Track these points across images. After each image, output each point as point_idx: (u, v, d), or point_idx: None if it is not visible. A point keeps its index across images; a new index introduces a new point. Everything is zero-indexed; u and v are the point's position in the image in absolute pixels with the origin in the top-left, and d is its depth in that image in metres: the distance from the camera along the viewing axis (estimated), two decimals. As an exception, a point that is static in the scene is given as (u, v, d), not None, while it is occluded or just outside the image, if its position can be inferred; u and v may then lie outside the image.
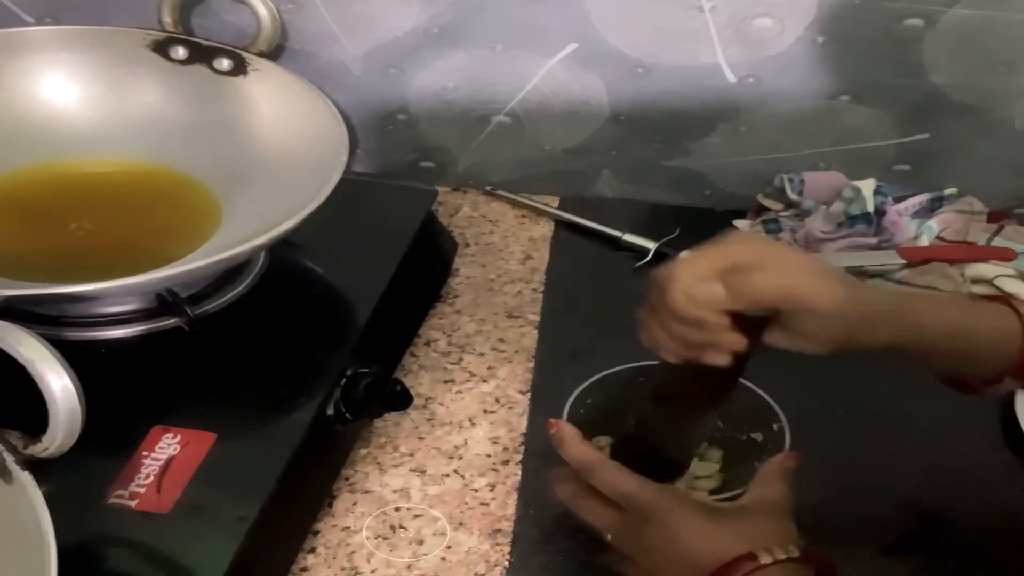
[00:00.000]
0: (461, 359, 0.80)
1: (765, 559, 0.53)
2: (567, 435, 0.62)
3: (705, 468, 0.68)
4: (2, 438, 0.47)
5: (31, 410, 0.49)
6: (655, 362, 0.69)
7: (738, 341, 0.54)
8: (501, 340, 0.82)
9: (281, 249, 0.75)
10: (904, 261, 0.87)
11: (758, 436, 0.68)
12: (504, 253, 0.92)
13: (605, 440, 0.68)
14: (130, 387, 0.64)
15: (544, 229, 0.96)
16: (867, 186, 0.88)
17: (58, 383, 0.46)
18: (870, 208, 0.88)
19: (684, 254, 0.56)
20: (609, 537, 0.59)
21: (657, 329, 0.56)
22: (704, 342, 0.54)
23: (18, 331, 0.46)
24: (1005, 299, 0.61)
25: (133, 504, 0.57)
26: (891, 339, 0.57)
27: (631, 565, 0.59)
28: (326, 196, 0.69)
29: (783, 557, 0.53)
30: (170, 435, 0.61)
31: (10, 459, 0.46)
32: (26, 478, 0.45)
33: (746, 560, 0.53)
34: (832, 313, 0.54)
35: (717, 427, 0.67)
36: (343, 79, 0.92)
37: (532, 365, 0.79)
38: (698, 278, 0.54)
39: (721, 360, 0.55)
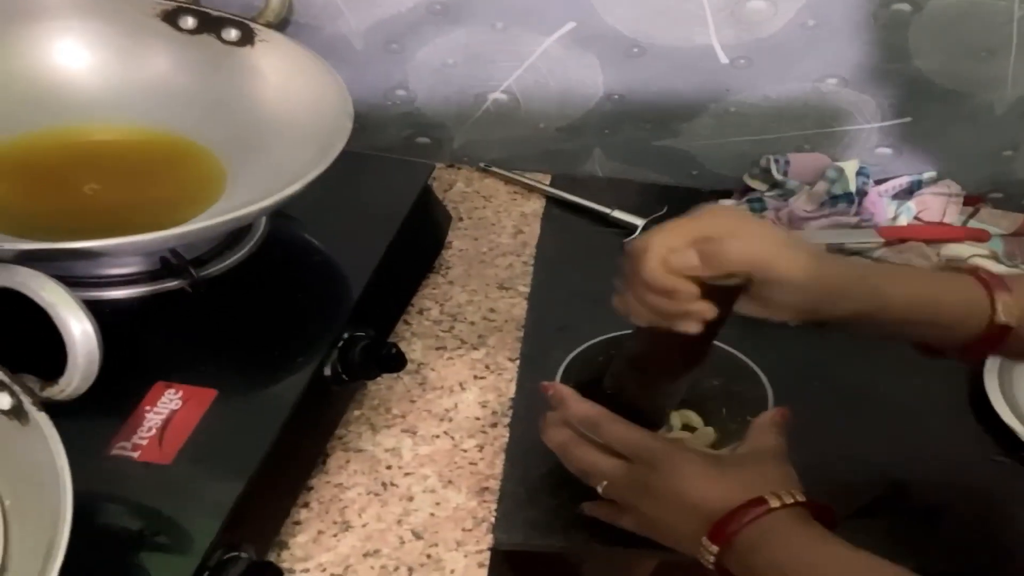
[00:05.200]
0: (453, 327, 0.82)
1: (774, 503, 0.55)
2: (567, 394, 0.63)
3: (699, 425, 0.70)
4: (19, 380, 0.49)
5: (41, 357, 0.50)
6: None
7: (708, 310, 0.56)
8: (492, 310, 0.84)
9: (279, 220, 0.77)
10: (883, 240, 0.90)
11: (744, 398, 0.69)
12: (496, 227, 0.94)
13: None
14: (133, 345, 0.66)
15: (536, 205, 0.98)
16: (851, 167, 0.91)
17: (78, 327, 0.48)
18: (852, 189, 0.90)
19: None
20: (602, 487, 0.61)
21: (631, 298, 0.57)
22: (676, 311, 0.56)
23: (41, 277, 0.48)
24: (972, 270, 0.62)
25: (136, 455, 0.58)
26: (856, 310, 0.58)
27: (626, 515, 0.60)
28: (330, 162, 0.70)
29: (791, 501, 0.55)
30: (172, 391, 0.62)
31: (27, 401, 0.48)
32: (43, 419, 0.47)
33: (756, 504, 0.55)
34: (798, 283, 0.56)
35: (701, 390, 0.69)
36: (345, 53, 0.93)
37: (521, 334, 0.82)
38: (672, 248, 0.55)
39: (692, 329, 0.56)
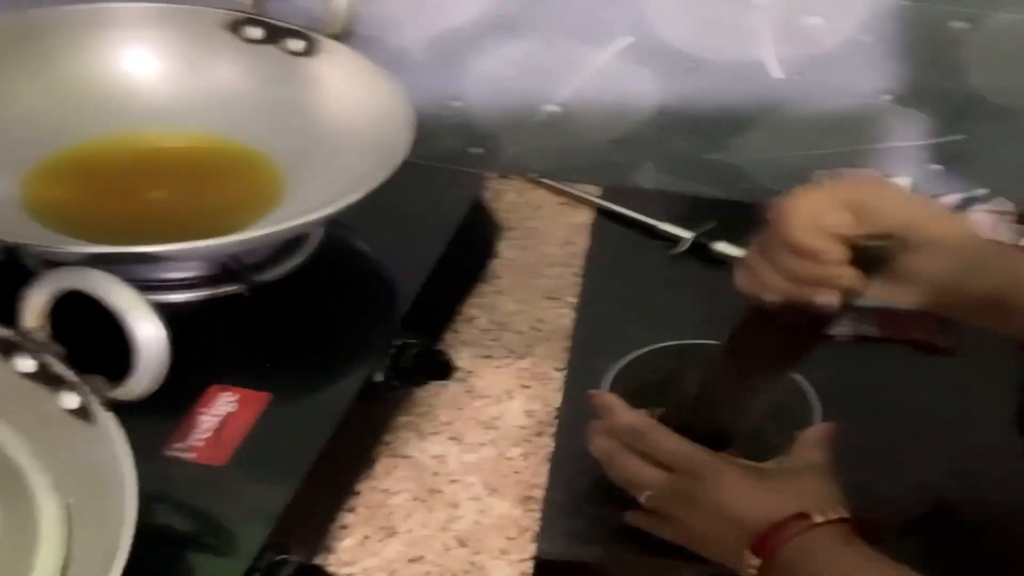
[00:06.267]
0: (500, 336, 0.83)
1: (818, 518, 0.54)
2: (614, 403, 0.63)
3: None
4: (88, 380, 0.50)
5: (95, 357, 0.52)
6: (692, 341, 0.71)
7: (853, 277, 0.53)
8: (540, 320, 0.85)
9: (334, 228, 0.78)
10: (935, 259, 0.89)
11: (791, 413, 0.69)
12: (546, 238, 0.94)
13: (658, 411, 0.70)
14: (190, 349, 0.64)
15: (585, 216, 0.98)
16: (902, 184, 0.90)
17: (150, 330, 0.49)
18: (904, 206, 0.90)
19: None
20: (644, 497, 0.61)
21: (765, 266, 0.54)
22: (821, 276, 0.53)
23: (112, 280, 0.49)
24: None
25: (192, 456, 0.60)
26: (995, 287, 0.55)
27: (668, 526, 0.60)
28: (391, 173, 0.71)
29: (835, 517, 0.54)
30: (228, 394, 0.64)
31: (95, 400, 0.49)
32: (109, 419, 0.49)
33: (799, 519, 0.54)
34: (951, 243, 0.53)
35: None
36: (405, 65, 0.93)
37: (568, 344, 0.82)
38: (824, 206, 0.53)
39: (832, 299, 0.53)
